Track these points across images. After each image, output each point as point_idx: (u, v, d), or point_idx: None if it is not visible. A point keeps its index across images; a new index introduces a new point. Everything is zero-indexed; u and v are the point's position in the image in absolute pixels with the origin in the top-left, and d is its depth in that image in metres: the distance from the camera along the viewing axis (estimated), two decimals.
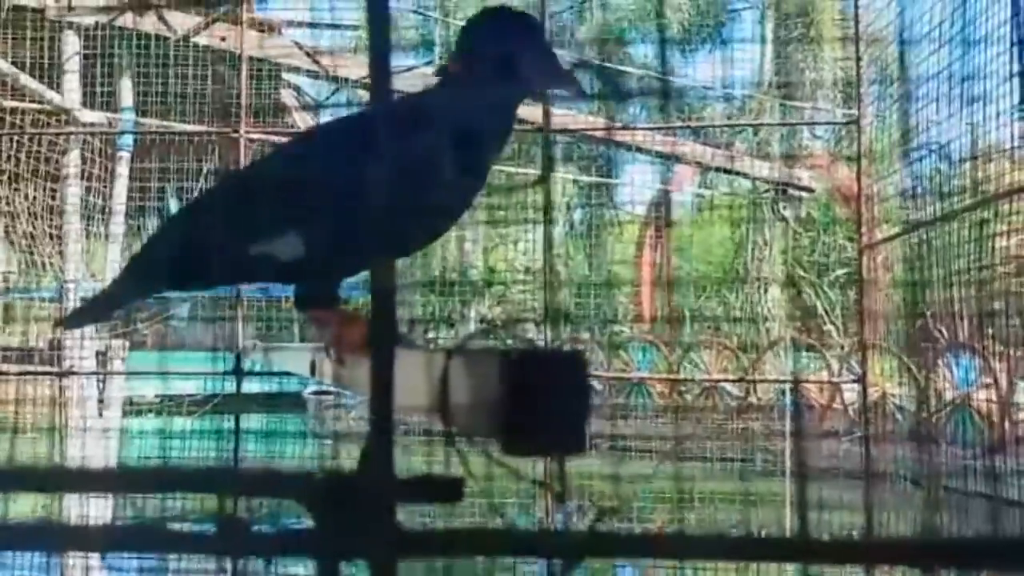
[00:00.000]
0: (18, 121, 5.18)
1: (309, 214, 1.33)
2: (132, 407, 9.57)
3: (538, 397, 0.58)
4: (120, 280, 1.70)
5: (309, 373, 1.46)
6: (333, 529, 0.62)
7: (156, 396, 10.59)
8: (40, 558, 5.05)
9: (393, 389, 0.62)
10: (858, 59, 3.95)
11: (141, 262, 1.59)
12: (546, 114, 4.14)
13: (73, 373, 4.71)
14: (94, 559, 4.65)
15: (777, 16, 12.09)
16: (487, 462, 0.66)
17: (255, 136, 4.59)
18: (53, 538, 0.62)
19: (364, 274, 1.36)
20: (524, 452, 0.60)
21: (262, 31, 5.55)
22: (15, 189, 5.23)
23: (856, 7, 4.05)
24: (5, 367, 5.10)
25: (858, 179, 3.91)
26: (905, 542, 0.60)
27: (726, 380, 9.43)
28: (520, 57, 1.36)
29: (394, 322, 0.66)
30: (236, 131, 4.37)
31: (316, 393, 11.70)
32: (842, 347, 10.31)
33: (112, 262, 5.18)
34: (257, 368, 4.29)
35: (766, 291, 11.19)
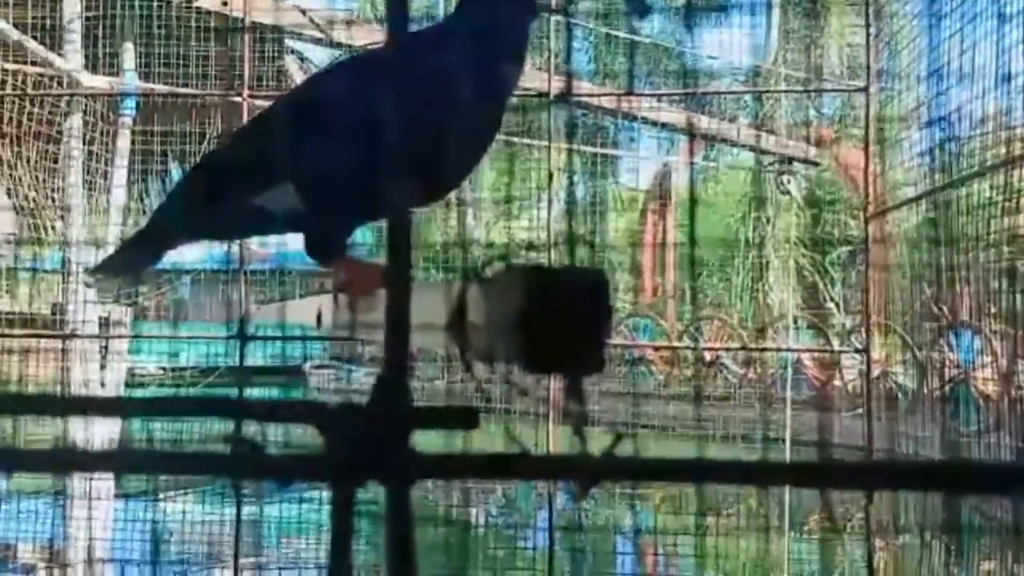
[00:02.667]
0: (19, 84, 5.14)
1: (302, 162, 1.30)
2: (135, 379, 9.59)
3: (555, 315, 0.57)
4: (141, 234, 1.68)
5: (315, 323, 1.45)
6: (347, 454, 0.62)
7: (159, 368, 10.62)
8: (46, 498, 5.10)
9: (408, 322, 0.61)
10: (868, 27, 3.92)
11: (159, 215, 1.59)
12: (569, 84, 4.10)
13: (76, 336, 4.70)
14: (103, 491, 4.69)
15: None
16: (504, 387, 0.65)
17: (259, 100, 4.56)
18: (64, 460, 0.61)
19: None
20: (542, 369, 0.59)
21: None
22: (16, 152, 5.20)
23: None
24: (8, 331, 5.08)
25: (865, 148, 3.88)
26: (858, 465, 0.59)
27: (728, 348, 9.43)
28: None
29: (409, 255, 0.65)
30: (239, 95, 4.34)
31: (317, 367, 11.71)
32: (843, 325, 10.31)
33: (114, 226, 5.16)
34: (261, 332, 4.28)
35: (768, 267, 11.17)
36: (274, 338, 4.43)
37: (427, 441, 0.63)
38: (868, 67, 3.86)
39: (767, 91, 9.77)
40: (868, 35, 3.89)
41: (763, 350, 8.73)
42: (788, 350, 7.12)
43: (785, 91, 9.49)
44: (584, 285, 0.58)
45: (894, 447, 5.07)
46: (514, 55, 1.39)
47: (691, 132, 6.53)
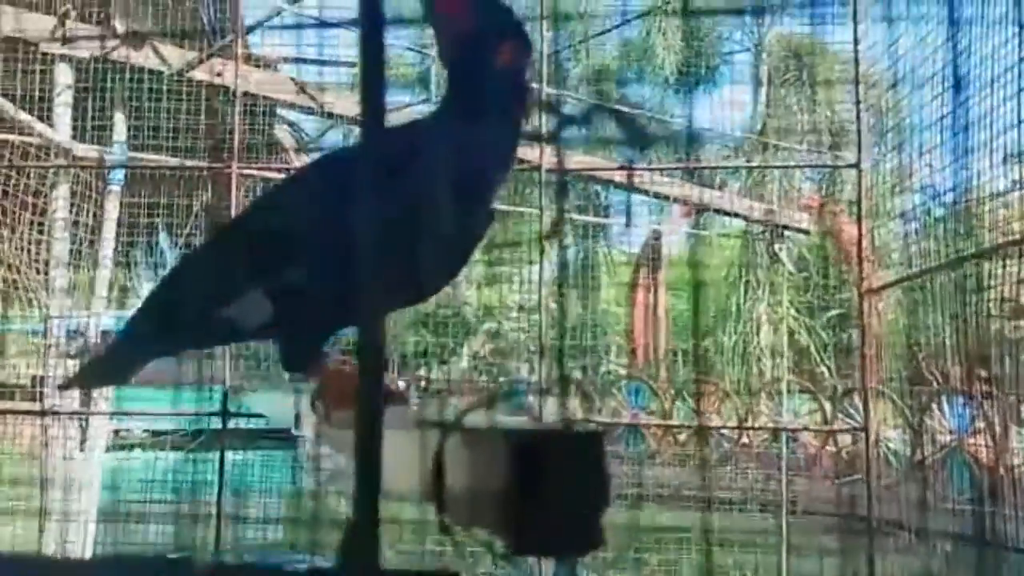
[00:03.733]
0: (7, 154, 5.11)
1: (274, 270, 1.25)
2: (119, 439, 9.45)
3: (548, 486, 0.51)
4: (114, 347, 1.62)
5: (293, 425, 1.38)
6: None
7: (143, 431, 10.47)
8: None
9: (380, 463, 0.55)
10: (858, 102, 3.91)
11: (130, 328, 1.53)
12: (559, 159, 4.10)
13: (55, 413, 4.60)
14: None
15: (771, 60, 12.16)
16: (490, 556, 0.59)
17: (247, 172, 4.54)
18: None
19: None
20: (533, 551, 0.53)
21: (257, 66, 5.52)
22: (1, 222, 5.15)
23: (856, 51, 4.02)
24: None
25: (859, 223, 3.86)
26: None
27: (727, 427, 9.35)
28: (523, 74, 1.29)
29: (381, 384, 0.59)
30: (228, 167, 4.31)
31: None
32: (835, 388, 10.25)
33: (100, 298, 5.10)
34: (244, 409, 4.20)
35: (759, 331, 11.15)
36: (256, 415, 4.35)
37: None
38: (859, 144, 3.85)
39: (760, 167, 9.84)
40: (858, 112, 3.89)
41: (760, 428, 8.65)
42: (785, 429, 7.05)
43: (779, 167, 9.56)
44: (579, 449, 0.52)
45: (891, 514, 4.99)
46: (502, 158, 1.34)
47: (683, 201, 6.54)
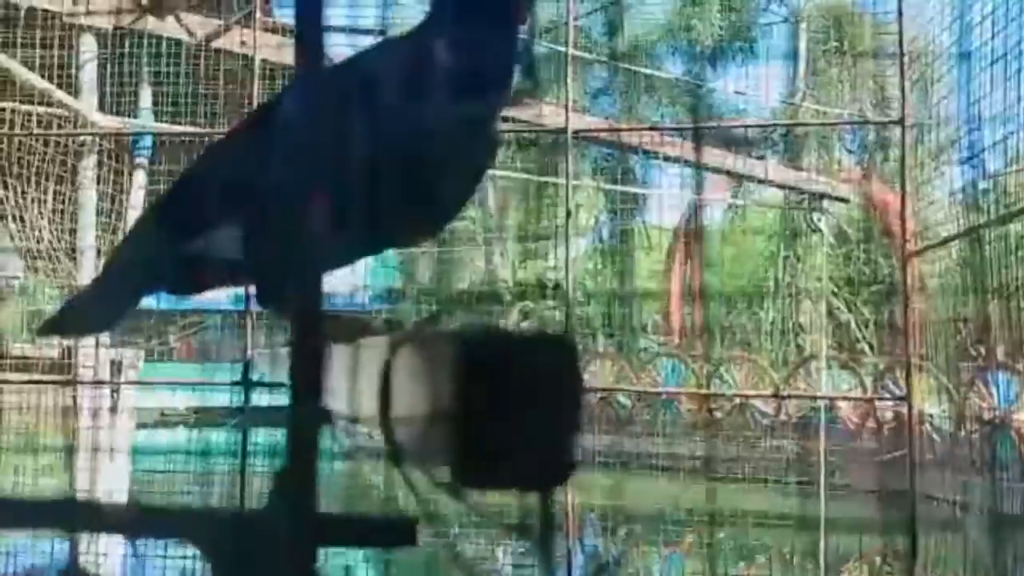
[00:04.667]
0: (33, 125, 5.08)
1: (243, 203, 1.13)
2: (163, 417, 9.51)
3: (508, 404, 0.41)
4: (96, 289, 1.53)
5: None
6: None
7: (186, 408, 10.53)
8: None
9: (320, 391, 0.45)
10: (901, 57, 3.75)
11: (112, 261, 1.44)
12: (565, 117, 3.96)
13: (79, 382, 4.57)
14: None
15: (810, 30, 11.88)
16: (447, 496, 0.48)
17: None
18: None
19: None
20: (487, 484, 0.43)
21: (279, 33, 5.43)
22: (24, 194, 5.13)
23: (900, 15, 3.88)
24: (15, 376, 4.98)
25: (902, 185, 3.70)
26: None
27: (759, 395, 9.18)
28: None
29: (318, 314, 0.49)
30: None
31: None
32: (876, 365, 10.03)
33: None
34: (266, 379, 4.14)
35: (799, 306, 10.95)
36: (277, 384, 4.29)
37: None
38: (903, 99, 3.69)
39: (798, 124, 9.55)
40: (902, 66, 3.73)
41: (796, 397, 8.44)
42: (823, 397, 6.88)
43: (819, 124, 9.28)
44: (547, 359, 0.41)
45: (934, 492, 4.85)
46: (502, 70, 1.21)
47: (719, 170, 6.36)
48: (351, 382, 0.54)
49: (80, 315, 1.53)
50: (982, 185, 3.63)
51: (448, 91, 1.11)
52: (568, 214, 4.32)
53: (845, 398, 8.60)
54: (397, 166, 1.06)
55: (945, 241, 3.78)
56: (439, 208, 1.23)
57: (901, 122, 3.67)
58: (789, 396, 8.09)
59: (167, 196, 1.35)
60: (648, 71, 9.55)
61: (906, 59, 3.75)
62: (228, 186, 1.15)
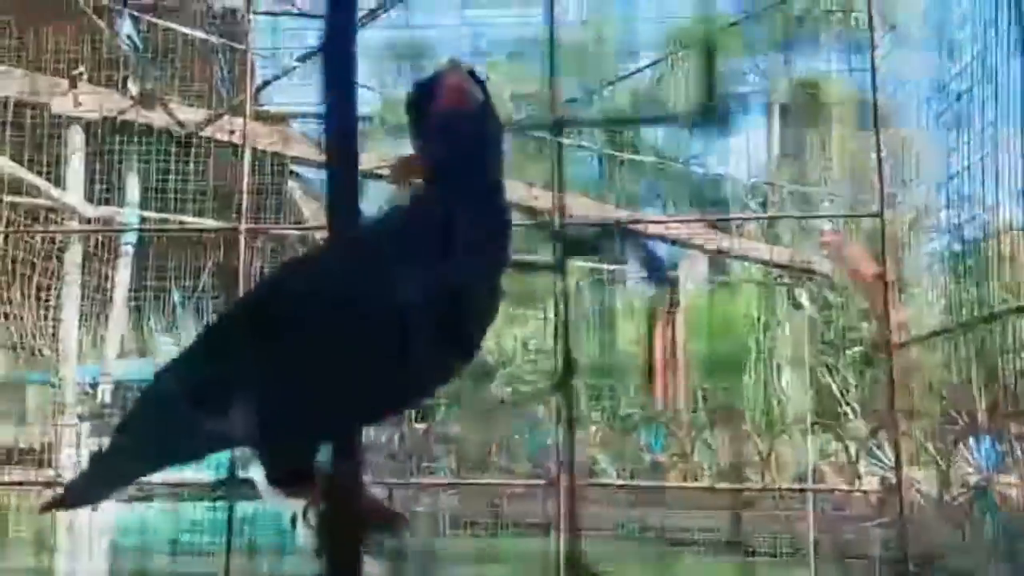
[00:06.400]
0: (20, 218, 5.10)
1: (257, 383, 1.17)
2: (141, 492, 9.37)
3: None
4: (104, 461, 1.53)
5: (290, 524, 1.31)
6: None
7: (161, 483, 10.38)
8: None
9: None
10: (879, 151, 3.83)
11: (117, 439, 1.45)
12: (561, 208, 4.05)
13: (59, 484, 4.52)
14: None
15: (785, 102, 12.10)
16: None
17: (258, 231, 4.51)
18: None
19: None
20: None
21: (268, 122, 5.50)
22: (9, 283, 5.12)
23: (875, 99, 3.96)
24: None
25: (884, 278, 3.75)
26: None
27: (753, 488, 9.14)
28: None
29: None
30: (235, 228, 4.27)
31: None
32: (860, 429, 10.05)
33: (111, 359, 5.05)
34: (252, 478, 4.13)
35: (780, 373, 11.00)
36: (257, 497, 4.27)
37: None
38: (881, 194, 3.76)
39: (778, 216, 9.71)
40: (879, 160, 3.80)
41: (795, 490, 8.28)
42: (814, 489, 6.82)
43: (798, 216, 9.42)
44: None
45: (923, 556, 4.86)
46: (501, 226, 1.27)
47: (702, 248, 6.45)
48: None
49: (87, 486, 1.54)
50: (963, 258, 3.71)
51: (466, 250, 1.16)
52: (554, 290, 4.36)
53: (837, 489, 8.47)
54: (434, 323, 1.10)
55: (925, 338, 3.84)
56: (467, 351, 1.27)
57: (880, 215, 3.74)
58: (785, 490, 7.95)
59: (181, 368, 1.36)
60: (631, 156, 9.72)
61: (884, 153, 3.82)
62: (239, 364, 1.18)
